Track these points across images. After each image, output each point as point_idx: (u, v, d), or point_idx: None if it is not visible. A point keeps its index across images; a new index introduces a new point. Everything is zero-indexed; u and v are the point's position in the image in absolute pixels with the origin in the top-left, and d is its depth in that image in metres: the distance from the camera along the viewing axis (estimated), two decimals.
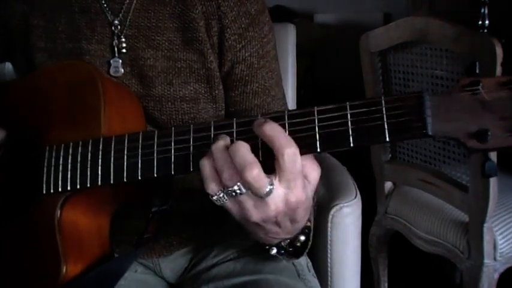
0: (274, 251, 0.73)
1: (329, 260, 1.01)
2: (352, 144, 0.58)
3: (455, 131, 0.55)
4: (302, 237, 0.72)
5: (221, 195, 0.59)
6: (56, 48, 0.87)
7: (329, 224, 0.99)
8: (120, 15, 0.85)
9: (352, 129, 0.57)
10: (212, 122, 0.63)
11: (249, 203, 0.60)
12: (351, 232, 1.01)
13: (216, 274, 0.90)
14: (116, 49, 0.85)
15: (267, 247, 0.73)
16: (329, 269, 1.02)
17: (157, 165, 0.65)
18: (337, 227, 1.00)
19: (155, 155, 0.66)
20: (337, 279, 1.02)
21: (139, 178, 0.66)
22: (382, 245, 1.74)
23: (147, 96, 0.85)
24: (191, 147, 0.64)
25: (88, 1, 0.86)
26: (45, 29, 0.88)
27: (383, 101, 0.57)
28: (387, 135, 0.56)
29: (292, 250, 0.74)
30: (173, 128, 0.65)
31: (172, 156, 0.65)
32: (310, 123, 0.59)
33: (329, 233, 1.00)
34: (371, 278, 1.78)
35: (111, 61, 0.85)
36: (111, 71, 0.85)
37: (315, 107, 0.59)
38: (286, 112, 0.60)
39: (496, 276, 1.40)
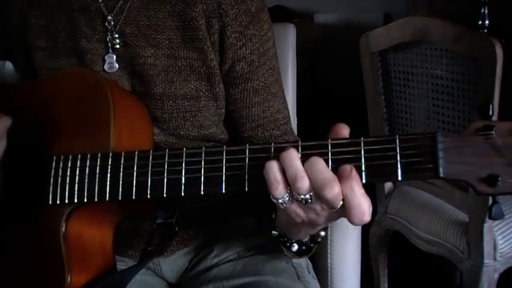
0: (295, 247, 0.73)
1: (329, 260, 1.01)
2: (364, 181, 0.58)
3: (466, 174, 0.56)
4: (322, 233, 0.73)
5: (287, 198, 0.60)
6: (56, 47, 0.87)
7: (329, 224, 0.99)
8: (115, 11, 0.85)
9: (365, 165, 0.58)
10: (224, 147, 0.63)
11: (318, 209, 0.61)
12: (351, 232, 1.01)
13: (215, 275, 0.90)
14: (109, 45, 0.85)
15: (288, 244, 0.73)
16: (329, 269, 1.02)
17: (168, 185, 0.65)
18: (337, 227, 1.00)
19: (165, 174, 0.65)
20: (337, 279, 1.02)
21: (148, 197, 0.66)
22: (382, 245, 1.74)
23: (148, 94, 0.85)
24: (202, 170, 0.64)
25: (88, 0, 0.86)
26: (45, 28, 0.88)
27: (397, 140, 0.57)
28: (399, 175, 0.57)
29: (312, 246, 0.74)
30: (184, 149, 0.65)
31: (183, 178, 0.65)
32: (323, 155, 0.59)
33: (329, 233, 1.00)
34: (371, 278, 1.77)
35: (106, 57, 0.85)
36: (106, 67, 0.85)
37: (329, 140, 0.59)
38: (299, 143, 0.60)
39: (496, 276, 1.40)
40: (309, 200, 0.59)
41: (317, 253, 1.02)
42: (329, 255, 1.01)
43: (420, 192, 1.56)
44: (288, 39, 1.29)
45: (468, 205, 1.37)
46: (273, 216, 0.72)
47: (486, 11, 2.09)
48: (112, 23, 0.85)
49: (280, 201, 0.60)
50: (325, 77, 3.76)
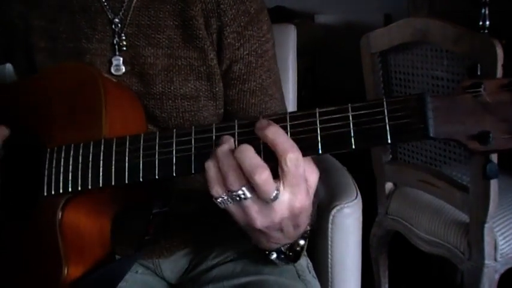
0: (274, 255, 0.73)
1: (329, 261, 1.01)
2: (353, 146, 0.57)
3: (457, 133, 0.55)
4: (302, 242, 0.73)
5: (225, 197, 0.59)
6: (56, 48, 0.87)
7: (330, 225, 0.99)
8: (121, 13, 0.85)
9: (354, 130, 0.57)
10: (214, 124, 0.64)
11: (253, 208, 0.60)
12: (352, 233, 1.01)
13: (216, 275, 0.90)
14: (116, 47, 0.85)
15: (267, 252, 0.73)
16: (329, 270, 1.02)
17: (159, 166, 0.65)
18: (338, 227, 1.00)
19: (156, 156, 0.66)
20: (338, 280, 1.02)
21: (141, 180, 0.66)
22: (382, 246, 1.74)
23: (148, 94, 0.85)
24: (193, 149, 0.64)
25: (88, 0, 0.86)
26: (46, 29, 0.88)
27: (384, 103, 0.57)
28: (389, 137, 0.56)
29: (291, 255, 0.74)
30: (175, 130, 0.65)
31: (174, 158, 0.65)
32: (312, 124, 0.59)
33: (330, 234, 1.00)
34: (371, 278, 1.77)
35: (112, 59, 0.85)
36: (113, 70, 0.85)
37: (317, 109, 0.59)
38: (288, 114, 0.60)
39: (497, 277, 1.40)
40: (242, 196, 0.58)
41: (318, 253, 1.02)
42: (329, 256, 1.01)
43: (421, 193, 1.56)
44: (288, 40, 1.30)
45: (469, 206, 1.37)
46: None
47: (486, 12, 2.09)
48: (119, 25, 0.85)
49: (219, 200, 0.60)
50: (326, 77, 3.77)
